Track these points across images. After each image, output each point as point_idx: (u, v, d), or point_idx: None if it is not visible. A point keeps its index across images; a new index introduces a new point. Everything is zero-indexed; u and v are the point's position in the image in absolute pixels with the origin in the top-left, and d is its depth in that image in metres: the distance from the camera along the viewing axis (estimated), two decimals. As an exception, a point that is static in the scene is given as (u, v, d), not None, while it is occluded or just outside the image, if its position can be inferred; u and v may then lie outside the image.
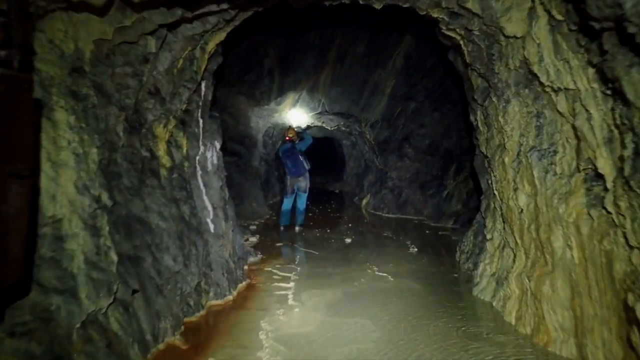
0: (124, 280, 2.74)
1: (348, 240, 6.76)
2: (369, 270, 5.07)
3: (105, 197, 2.67)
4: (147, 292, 2.99)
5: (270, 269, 5.17)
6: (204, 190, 3.90)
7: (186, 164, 3.66)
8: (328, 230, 7.63)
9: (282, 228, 7.62)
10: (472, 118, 5.00)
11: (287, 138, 7.54)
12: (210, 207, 3.95)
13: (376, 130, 9.56)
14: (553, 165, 3.09)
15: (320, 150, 21.06)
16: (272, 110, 8.76)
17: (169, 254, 3.30)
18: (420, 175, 9.36)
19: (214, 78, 4.42)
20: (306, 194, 7.60)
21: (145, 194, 3.23)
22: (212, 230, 3.95)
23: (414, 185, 9.41)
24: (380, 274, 4.96)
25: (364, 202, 10.81)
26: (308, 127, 11.20)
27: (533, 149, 3.28)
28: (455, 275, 4.99)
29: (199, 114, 3.87)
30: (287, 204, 7.64)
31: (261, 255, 5.72)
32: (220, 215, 4.16)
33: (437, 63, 8.58)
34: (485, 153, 4.39)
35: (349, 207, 11.33)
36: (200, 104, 3.88)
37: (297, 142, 7.52)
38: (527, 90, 3.30)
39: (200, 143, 3.91)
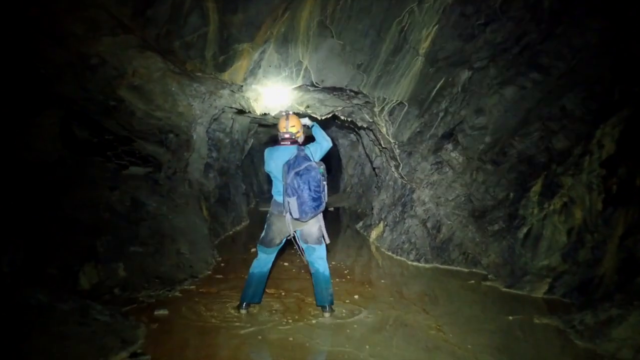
0: None
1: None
2: None
3: None
4: None
5: None
6: None
7: None
8: (313, 321, 3.71)
9: (242, 310, 3.75)
10: None
11: (285, 137, 3.55)
12: None
13: (398, 120, 5.64)
14: None
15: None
16: (214, 82, 4.83)
17: None
18: (475, 198, 5.48)
19: None
20: (324, 247, 3.76)
21: None
22: None
23: (464, 213, 5.52)
24: None
25: (375, 234, 6.91)
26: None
27: None
28: None
29: None
30: (262, 263, 3.80)
31: None
32: None
33: (516, -6, 4.69)
34: None
35: (349, 240, 7.40)
36: None
37: (300, 145, 3.60)
38: None
39: None
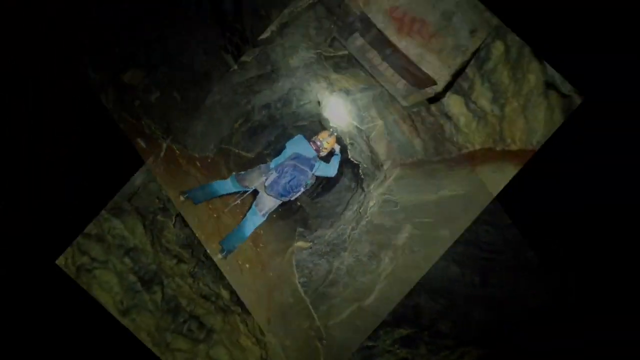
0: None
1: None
2: None
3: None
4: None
5: None
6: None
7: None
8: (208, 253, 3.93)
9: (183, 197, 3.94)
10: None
11: (317, 143, 4.11)
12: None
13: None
14: None
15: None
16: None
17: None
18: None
19: None
20: (263, 220, 4.12)
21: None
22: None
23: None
24: None
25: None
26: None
27: None
28: None
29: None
30: (222, 183, 4.10)
31: None
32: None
33: None
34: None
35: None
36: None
37: (318, 160, 4.08)
38: None
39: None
